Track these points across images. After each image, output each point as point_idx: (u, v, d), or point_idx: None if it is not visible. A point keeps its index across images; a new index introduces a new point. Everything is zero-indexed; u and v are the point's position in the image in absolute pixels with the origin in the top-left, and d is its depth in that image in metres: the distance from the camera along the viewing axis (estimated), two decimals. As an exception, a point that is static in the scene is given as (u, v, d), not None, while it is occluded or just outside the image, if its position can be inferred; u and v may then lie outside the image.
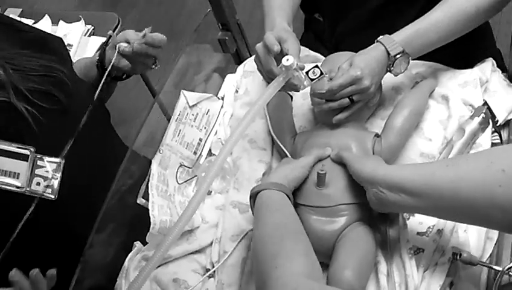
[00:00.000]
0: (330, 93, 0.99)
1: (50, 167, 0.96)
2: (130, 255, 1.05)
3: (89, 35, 1.98)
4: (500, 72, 1.11)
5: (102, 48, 1.17)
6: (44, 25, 2.05)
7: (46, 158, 0.95)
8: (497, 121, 1.02)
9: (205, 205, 1.12)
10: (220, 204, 1.12)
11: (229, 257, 1.01)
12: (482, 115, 0.99)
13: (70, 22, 2.03)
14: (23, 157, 0.92)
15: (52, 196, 0.96)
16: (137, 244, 1.07)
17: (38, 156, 0.94)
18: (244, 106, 1.23)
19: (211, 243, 1.06)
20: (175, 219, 1.06)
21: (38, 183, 0.94)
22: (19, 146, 0.91)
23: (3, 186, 0.90)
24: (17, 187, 0.91)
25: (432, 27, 1.01)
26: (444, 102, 1.09)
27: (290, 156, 1.07)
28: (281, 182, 0.92)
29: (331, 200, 0.94)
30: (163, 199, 1.08)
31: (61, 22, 2.04)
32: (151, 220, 1.02)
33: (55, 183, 0.96)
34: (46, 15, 2.07)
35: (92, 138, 1.08)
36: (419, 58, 1.06)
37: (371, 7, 1.18)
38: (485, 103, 1.02)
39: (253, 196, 0.92)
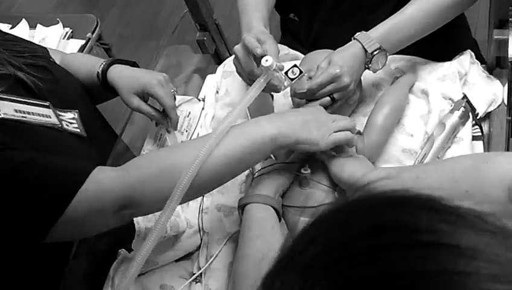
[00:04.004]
0: (310, 92, 0.98)
1: (69, 116, 1.02)
2: (114, 263, 1.04)
3: (68, 39, 1.95)
4: (479, 64, 1.11)
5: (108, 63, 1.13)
6: (22, 29, 2.02)
7: (63, 110, 1.01)
8: (478, 113, 1.02)
9: (190, 209, 1.11)
10: (205, 207, 1.11)
11: (216, 261, 1.00)
12: (462, 108, 0.99)
13: (48, 25, 1.99)
14: (46, 107, 0.97)
15: (84, 134, 1.02)
16: (123, 252, 1.06)
17: (56, 108, 0.99)
18: (225, 107, 1.22)
19: (197, 248, 1.05)
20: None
21: (67, 125, 1.00)
22: (37, 100, 0.96)
23: (43, 122, 0.94)
24: (54, 124, 0.96)
25: (408, 22, 1.01)
26: (423, 96, 1.08)
27: (273, 157, 1.07)
28: (267, 192, 0.92)
29: (315, 200, 0.94)
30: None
31: (38, 25, 2.00)
32: (136, 227, 1.01)
33: (80, 126, 1.02)
34: (23, 19, 2.03)
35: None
36: (397, 52, 1.06)
37: (345, 4, 1.18)
38: (465, 96, 1.02)
39: (241, 207, 0.92)
